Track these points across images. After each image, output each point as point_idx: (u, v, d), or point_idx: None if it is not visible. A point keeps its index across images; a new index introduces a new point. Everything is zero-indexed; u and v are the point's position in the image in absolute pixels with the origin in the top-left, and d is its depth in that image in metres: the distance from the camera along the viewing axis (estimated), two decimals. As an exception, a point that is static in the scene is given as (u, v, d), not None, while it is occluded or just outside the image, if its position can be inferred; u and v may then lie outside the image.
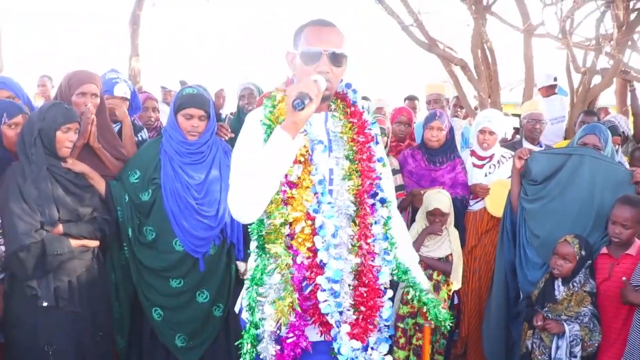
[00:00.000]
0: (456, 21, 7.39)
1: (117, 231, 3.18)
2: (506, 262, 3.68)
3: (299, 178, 2.00)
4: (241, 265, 3.36)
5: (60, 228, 2.88)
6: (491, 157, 4.33)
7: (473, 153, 4.40)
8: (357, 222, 2.10)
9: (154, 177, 3.17)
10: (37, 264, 2.79)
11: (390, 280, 2.21)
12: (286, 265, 1.99)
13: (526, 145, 4.70)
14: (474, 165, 4.34)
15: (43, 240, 2.80)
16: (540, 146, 4.75)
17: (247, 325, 2.02)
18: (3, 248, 2.82)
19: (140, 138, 3.77)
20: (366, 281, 2.08)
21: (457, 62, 6.66)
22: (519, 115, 8.06)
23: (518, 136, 5.20)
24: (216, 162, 3.26)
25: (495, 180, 4.18)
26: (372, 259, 2.11)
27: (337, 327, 1.97)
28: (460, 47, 9.27)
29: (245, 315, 2.05)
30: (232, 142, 3.56)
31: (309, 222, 1.99)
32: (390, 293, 2.17)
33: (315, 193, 2.02)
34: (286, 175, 1.99)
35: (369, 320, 2.07)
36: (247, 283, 2.05)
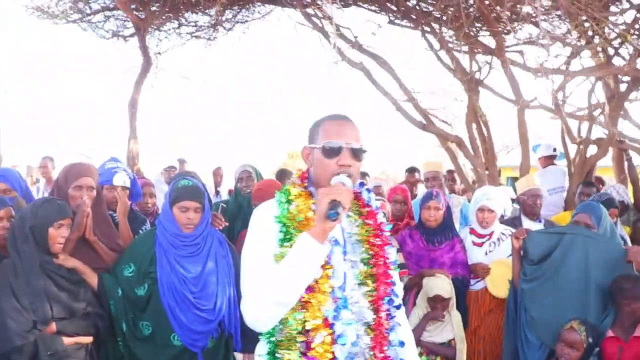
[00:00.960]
0: (449, 95, 7.50)
1: (110, 325, 3.10)
2: (512, 344, 3.62)
3: (316, 282, 1.90)
4: (239, 356, 3.28)
5: (53, 327, 2.81)
6: (491, 234, 4.30)
7: (472, 231, 4.37)
8: (372, 329, 1.99)
9: (149, 271, 3.12)
10: None
11: None
12: None
13: (525, 221, 4.68)
14: (474, 244, 4.31)
15: (36, 340, 2.73)
16: (540, 221, 4.72)
17: None
18: None
19: (144, 230, 3.75)
20: None
21: (453, 139, 6.73)
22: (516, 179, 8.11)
23: (517, 207, 5.17)
24: (212, 253, 3.22)
25: (495, 260, 4.14)
26: None
27: None
28: (456, 115, 9.43)
29: None
30: (226, 229, 3.57)
31: (329, 329, 1.89)
32: None
33: (334, 298, 1.92)
34: None
35: None
36: None
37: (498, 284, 4.04)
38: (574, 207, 4.99)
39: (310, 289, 1.90)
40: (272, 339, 1.94)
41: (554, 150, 7.23)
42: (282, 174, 8.04)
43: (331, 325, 1.90)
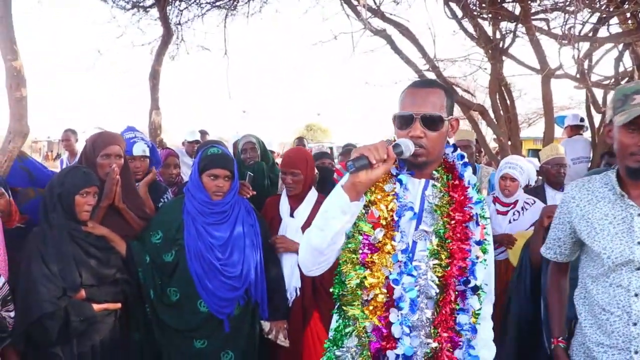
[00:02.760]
0: (470, 64, 7.38)
1: (138, 292, 3.15)
2: (522, 321, 3.57)
3: (380, 242, 1.88)
4: (265, 324, 3.32)
5: (82, 293, 2.87)
6: (515, 203, 4.28)
7: (496, 200, 4.35)
8: (439, 305, 1.92)
9: (177, 238, 3.16)
10: (61, 330, 2.77)
11: None
12: (363, 329, 1.89)
13: (549, 190, 4.64)
14: (498, 212, 4.29)
15: (66, 307, 2.79)
16: (562, 190, 4.67)
17: None
18: (12, 314, 2.76)
19: (165, 200, 3.78)
20: None
21: (476, 108, 6.63)
22: (538, 151, 8.02)
23: (540, 178, 5.12)
24: (239, 221, 3.25)
25: (519, 232, 4.11)
26: (451, 349, 1.91)
27: None
28: (477, 85, 9.31)
29: None
30: (253, 199, 3.58)
31: (384, 290, 1.88)
32: None
33: (397, 262, 1.88)
34: (367, 237, 1.89)
35: None
36: (326, 344, 1.98)
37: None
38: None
39: (375, 249, 1.88)
40: (340, 294, 1.94)
41: (581, 120, 7.11)
42: (300, 142, 8.01)
43: (392, 289, 1.88)
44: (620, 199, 2.14)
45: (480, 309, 1.98)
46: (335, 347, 1.94)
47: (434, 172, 2.03)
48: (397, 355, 1.86)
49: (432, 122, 1.92)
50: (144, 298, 3.16)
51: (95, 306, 2.90)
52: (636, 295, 2.04)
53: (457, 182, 2.00)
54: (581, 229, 2.23)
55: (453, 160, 2.06)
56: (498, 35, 6.63)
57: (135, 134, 3.81)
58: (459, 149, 2.09)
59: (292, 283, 3.45)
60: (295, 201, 3.57)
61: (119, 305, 3.03)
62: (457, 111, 7.19)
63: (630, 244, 2.08)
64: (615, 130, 2.12)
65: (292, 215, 3.55)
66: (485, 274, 2.00)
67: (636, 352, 2.06)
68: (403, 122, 1.94)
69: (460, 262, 1.91)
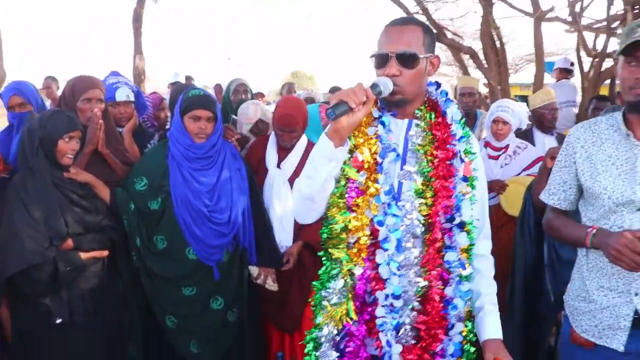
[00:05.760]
0: (460, 6, 7.27)
1: (124, 239, 3.10)
2: (527, 262, 3.59)
3: (364, 186, 1.88)
4: (253, 269, 3.31)
5: (70, 242, 2.80)
6: (506, 147, 4.24)
7: (487, 144, 4.31)
8: (426, 244, 1.92)
9: (162, 185, 3.09)
10: (49, 280, 2.72)
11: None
12: (348, 271, 1.90)
13: (538, 134, 4.65)
14: (489, 157, 4.25)
15: (54, 257, 2.73)
16: (552, 134, 4.66)
17: (313, 327, 1.97)
18: None
19: (151, 144, 3.69)
20: (429, 309, 1.92)
21: (466, 50, 6.56)
22: (525, 97, 7.99)
23: (529, 122, 5.10)
24: (225, 165, 3.18)
25: (511, 178, 4.09)
26: (441, 286, 1.93)
27: (388, 346, 1.88)
28: (464, 32, 9.19)
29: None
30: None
31: (367, 232, 1.88)
32: (459, 327, 1.95)
33: (382, 203, 1.88)
34: (352, 181, 1.88)
35: (427, 350, 1.92)
36: (315, 285, 1.99)
37: (512, 202, 3.98)
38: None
39: (359, 192, 1.88)
40: (325, 236, 1.94)
41: (571, 64, 7.06)
42: (290, 87, 7.89)
43: (377, 231, 1.88)
44: (625, 138, 2.09)
45: (472, 245, 1.98)
46: (322, 288, 1.95)
47: (417, 111, 1.99)
48: (387, 295, 1.87)
49: (407, 60, 1.88)
50: (130, 246, 3.11)
51: (83, 255, 2.84)
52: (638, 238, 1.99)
53: (440, 119, 1.97)
54: (584, 170, 2.18)
55: (436, 98, 2.03)
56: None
57: (118, 78, 3.69)
58: (442, 86, 2.05)
59: (283, 242, 3.42)
60: (284, 151, 3.47)
61: (106, 252, 2.97)
62: (448, 54, 7.10)
63: (633, 184, 2.04)
64: (618, 65, 2.09)
65: (278, 165, 3.46)
66: (476, 209, 2.00)
67: (636, 294, 2.06)
68: (379, 61, 1.91)
69: (444, 199, 1.91)
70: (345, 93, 1.77)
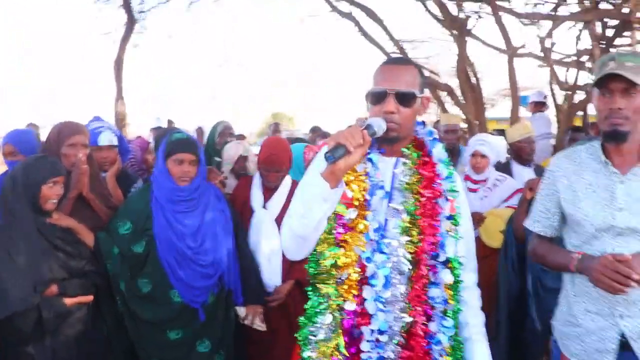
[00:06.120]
0: (436, 45, 7.45)
1: (108, 284, 3.07)
2: (511, 292, 3.63)
3: (352, 221, 1.91)
4: (241, 310, 3.29)
5: (54, 288, 2.78)
6: (485, 180, 4.30)
7: (467, 177, 4.37)
8: (412, 280, 1.95)
9: (146, 228, 3.09)
10: (34, 327, 2.69)
11: None
12: (337, 306, 1.91)
13: (516, 166, 4.72)
14: (469, 190, 4.30)
15: (38, 304, 2.70)
16: (530, 166, 4.75)
17: None
18: None
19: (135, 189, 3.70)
20: (413, 344, 1.94)
21: (444, 87, 6.70)
22: (502, 131, 8.14)
23: (508, 155, 5.21)
24: (209, 207, 3.20)
25: (489, 211, 4.15)
26: (425, 322, 1.96)
27: None
28: (440, 69, 9.39)
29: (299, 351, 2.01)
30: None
31: (358, 269, 1.90)
32: None
33: (370, 240, 1.91)
34: (341, 217, 1.91)
35: None
36: (301, 320, 2.00)
37: (492, 234, 4.04)
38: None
39: (348, 228, 1.91)
40: (314, 273, 1.96)
41: (545, 97, 7.24)
42: (276, 127, 7.93)
43: (363, 266, 1.90)
44: (604, 166, 2.17)
45: (458, 281, 2.01)
46: (309, 324, 1.96)
47: (404, 149, 2.04)
48: (372, 331, 1.89)
49: (405, 98, 1.93)
50: (114, 291, 3.08)
51: (67, 300, 2.81)
52: (619, 261, 2.05)
53: (426, 159, 2.03)
54: (566, 197, 2.25)
55: (422, 137, 2.08)
56: (462, 16, 6.69)
57: (101, 123, 3.72)
58: (428, 125, 2.11)
59: (272, 281, 3.41)
60: (269, 191, 3.49)
61: (91, 297, 2.94)
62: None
63: (612, 210, 2.11)
64: (593, 97, 2.18)
65: (264, 206, 3.47)
66: (461, 245, 2.03)
67: (621, 317, 2.10)
68: (376, 98, 1.95)
69: (431, 237, 1.95)
70: (342, 136, 1.78)
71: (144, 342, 3.13)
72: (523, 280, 3.60)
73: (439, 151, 2.05)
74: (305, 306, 2.01)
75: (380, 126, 1.88)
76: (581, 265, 2.12)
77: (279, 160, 3.41)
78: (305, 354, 1.95)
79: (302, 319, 1.99)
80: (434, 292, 1.96)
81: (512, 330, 3.63)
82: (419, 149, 2.05)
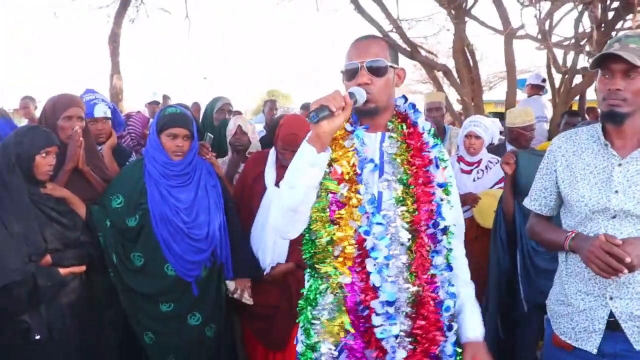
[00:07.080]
0: (434, 24, 7.41)
1: (102, 254, 3.09)
2: (502, 273, 3.66)
3: (345, 197, 1.92)
4: (230, 284, 3.33)
5: (48, 258, 2.81)
6: (479, 162, 4.33)
7: (460, 159, 4.39)
8: (413, 250, 1.96)
9: (140, 202, 3.10)
10: (29, 297, 2.71)
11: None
12: (337, 284, 1.93)
13: (510, 149, 4.71)
14: (462, 171, 4.34)
15: (34, 274, 2.72)
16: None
17: (303, 348, 1.98)
18: None
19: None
20: (425, 313, 1.94)
21: (440, 67, 6.68)
22: (499, 114, 8.13)
23: (502, 137, 5.21)
24: (202, 182, 3.22)
25: (483, 191, 4.18)
26: (433, 290, 1.97)
27: (392, 352, 1.90)
28: (438, 50, 9.35)
29: (300, 338, 2.01)
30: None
31: (352, 241, 1.91)
32: (454, 326, 2.01)
33: (365, 213, 1.92)
34: (334, 194, 1.93)
35: (427, 353, 1.95)
36: (301, 304, 2.00)
37: (485, 214, 4.07)
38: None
39: (341, 205, 1.92)
40: (312, 253, 1.97)
41: (543, 80, 7.22)
42: (272, 104, 7.90)
43: (364, 241, 1.91)
44: (604, 148, 2.18)
45: (450, 250, 2.04)
46: (310, 307, 1.97)
47: (389, 123, 2.07)
48: (382, 303, 1.89)
49: (376, 69, 1.97)
50: (107, 263, 3.11)
51: (62, 270, 2.84)
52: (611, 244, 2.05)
53: (411, 129, 2.05)
54: (564, 178, 2.26)
55: (405, 110, 2.11)
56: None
57: (95, 95, 3.72)
58: (409, 100, 2.14)
59: (271, 259, 3.42)
60: (283, 169, 3.43)
61: (83, 268, 2.97)
62: (422, 72, 7.22)
63: (608, 192, 2.12)
64: (596, 79, 2.18)
65: (277, 184, 3.41)
66: (452, 214, 2.06)
67: (611, 298, 2.13)
68: (350, 73, 1.99)
69: (426, 205, 1.97)
70: (325, 98, 1.82)
71: (137, 314, 3.17)
72: (513, 261, 3.63)
73: (422, 122, 2.08)
74: (303, 290, 2.03)
75: (361, 94, 1.92)
76: (574, 244, 2.14)
77: (298, 139, 3.40)
78: (312, 339, 1.95)
79: (301, 302, 2.00)
80: (437, 259, 1.98)
81: (501, 309, 3.67)
82: (403, 121, 2.08)
